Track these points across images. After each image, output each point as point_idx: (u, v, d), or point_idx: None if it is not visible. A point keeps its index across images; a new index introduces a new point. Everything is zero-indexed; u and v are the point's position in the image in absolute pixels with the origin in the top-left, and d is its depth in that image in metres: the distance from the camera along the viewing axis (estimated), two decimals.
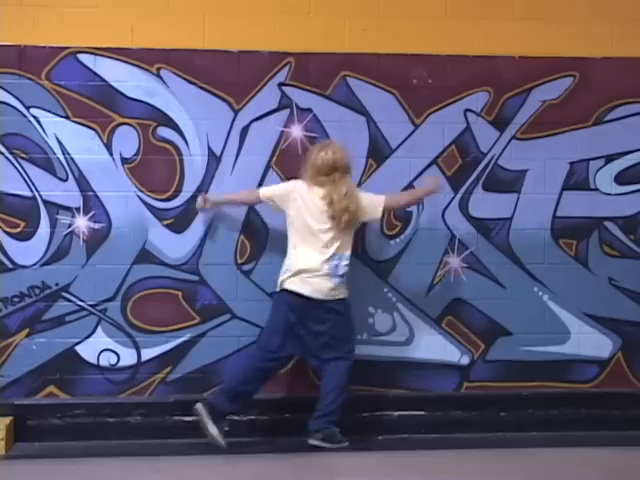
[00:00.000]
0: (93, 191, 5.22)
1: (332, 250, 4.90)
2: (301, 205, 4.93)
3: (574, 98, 5.45)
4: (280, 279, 4.95)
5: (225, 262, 5.29)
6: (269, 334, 4.99)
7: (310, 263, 4.88)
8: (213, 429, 4.84)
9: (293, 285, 4.89)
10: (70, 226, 5.21)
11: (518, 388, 5.43)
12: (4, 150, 5.17)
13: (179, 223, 5.28)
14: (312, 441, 4.86)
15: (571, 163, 5.48)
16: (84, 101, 5.20)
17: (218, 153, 5.29)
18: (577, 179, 5.49)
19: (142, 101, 5.24)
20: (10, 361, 5.18)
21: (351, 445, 5.00)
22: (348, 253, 4.97)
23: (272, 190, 5.07)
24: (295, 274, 4.89)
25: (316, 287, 4.87)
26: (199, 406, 4.88)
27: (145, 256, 5.25)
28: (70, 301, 5.21)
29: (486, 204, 5.42)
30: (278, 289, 4.97)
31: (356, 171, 5.29)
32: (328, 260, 4.89)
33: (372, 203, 5.00)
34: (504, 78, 5.42)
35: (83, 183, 5.22)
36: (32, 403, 5.17)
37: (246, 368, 4.98)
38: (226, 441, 4.85)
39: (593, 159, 5.49)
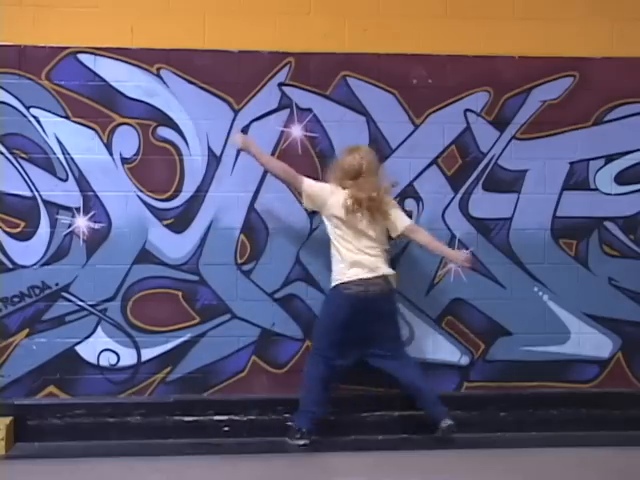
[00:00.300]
0: (93, 191, 5.23)
1: (371, 243, 4.97)
2: (336, 205, 4.96)
3: (574, 98, 5.45)
4: (334, 277, 5.02)
5: (225, 262, 5.29)
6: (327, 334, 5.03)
7: (356, 258, 4.94)
8: (300, 442, 4.97)
9: (349, 279, 4.95)
10: (70, 226, 5.22)
11: (518, 388, 5.43)
12: (4, 150, 5.17)
13: (179, 223, 5.28)
14: (445, 423, 4.94)
15: (571, 163, 5.48)
16: (84, 101, 5.20)
17: (218, 153, 5.29)
18: (577, 179, 5.49)
19: (142, 101, 5.24)
20: (10, 361, 5.18)
21: (351, 445, 5.02)
22: (386, 247, 5.06)
23: (316, 187, 5.04)
24: (348, 268, 4.96)
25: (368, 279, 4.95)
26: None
27: (145, 256, 5.26)
28: (70, 301, 5.21)
29: (486, 204, 5.42)
30: (334, 285, 5.01)
31: None
32: (371, 253, 4.96)
33: (397, 219, 5.06)
34: (504, 78, 5.42)
35: (83, 183, 5.22)
36: (32, 403, 5.17)
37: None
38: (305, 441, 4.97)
39: (593, 159, 5.49)
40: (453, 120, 5.40)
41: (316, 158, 5.32)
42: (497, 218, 5.44)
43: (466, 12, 5.41)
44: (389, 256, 5.10)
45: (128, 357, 5.25)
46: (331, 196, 4.99)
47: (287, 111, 5.33)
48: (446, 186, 5.39)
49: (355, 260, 4.95)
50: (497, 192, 5.44)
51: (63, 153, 5.20)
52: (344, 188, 4.98)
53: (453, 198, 5.42)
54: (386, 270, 5.00)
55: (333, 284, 5.03)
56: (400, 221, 5.06)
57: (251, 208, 5.31)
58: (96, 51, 5.19)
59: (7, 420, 5.00)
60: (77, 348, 5.22)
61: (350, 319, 4.94)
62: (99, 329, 5.23)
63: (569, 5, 5.48)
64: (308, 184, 5.04)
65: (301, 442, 4.94)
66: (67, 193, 5.21)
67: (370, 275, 4.94)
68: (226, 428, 5.19)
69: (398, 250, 5.38)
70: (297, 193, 5.19)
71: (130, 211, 5.24)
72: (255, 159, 5.13)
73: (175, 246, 5.28)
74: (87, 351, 5.23)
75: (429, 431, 5.10)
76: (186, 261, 5.28)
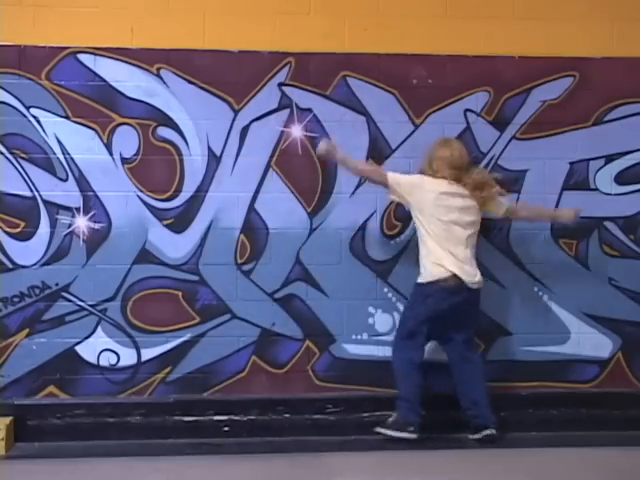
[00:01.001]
0: (93, 191, 5.23)
1: (466, 237, 5.00)
2: (432, 197, 4.97)
3: (574, 98, 5.45)
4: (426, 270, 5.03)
5: (225, 262, 5.29)
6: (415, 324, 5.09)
7: (448, 251, 4.96)
8: (403, 434, 4.98)
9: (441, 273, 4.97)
10: (70, 226, 5.22)
11: (518, 388, 5.44)
12: (4, 150, 5.17)
13: (179, 223, 5.28)
14: (489, 430, 5.02)
15: (571, 163, 5.48)
16: (84, 101, 5.20)
17: (218, 153, 5.29)
18: (577, 179, 5.49)
19: (142, 101, 5.24)
20: (10, 361, 5.18)
21: (351, 445, 5.02)
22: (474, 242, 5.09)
23: (400, 178, 5.06)
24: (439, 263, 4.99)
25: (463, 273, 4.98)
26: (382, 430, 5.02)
27: (145, 256, 5.26)
28: (70, 301, 5.21)
29: None
30: (425, 281, 5.01)
31: None
32: (465, 248, 4.98)
33: (499, 199, 5.14)
34: (504, 78, 5.42)
35: (83, 183, 5.22)
36: (32, 403, 5.17)
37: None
38: (417, 435, 4.98)
39: (593, 159, 5.49)
40: (453, 120, 5.40)
41: (316, 158, 5.32)
42: (497, 218, 5.43)
43: (466, 12, 5.41)
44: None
45: (128, 357, 5.25)
46: (421, 189, 5.00)
47: (287, 111, 5.32)
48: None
49: (445, 256, 4.96)
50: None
51: (63, 153, 5.20)
52: (442, 178, 5.00)
53: None
54: (472, 270, 5.01)
55: (420, 280, 5.03)
56: (503, 200, 5.16)
57: (251, 208, 5.31)
58: (96, 51, 5.19)
59: (7, 420, 4.99)
60: (77, 348, 5.22)
61: (436, 313, 5.00)
62: (99, 329, 5.23)
63: (569, 5, 5.48)
64: (391, 177, 5.05)
65: (413, 435, 4.98)
66: (67, 193, 5.21)
67: (461, 274, 4.95)
68: (226, 428, 5.20)
69: (398, 250, 5.38)
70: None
71: (130, 211, 5.24)
72: (343, 166, 5.16)
73: (175, 246, 5.28)
74: (87, 351, 5.23)
75: (429, 431, 5.11)
76: (186, 261, 5.28)
